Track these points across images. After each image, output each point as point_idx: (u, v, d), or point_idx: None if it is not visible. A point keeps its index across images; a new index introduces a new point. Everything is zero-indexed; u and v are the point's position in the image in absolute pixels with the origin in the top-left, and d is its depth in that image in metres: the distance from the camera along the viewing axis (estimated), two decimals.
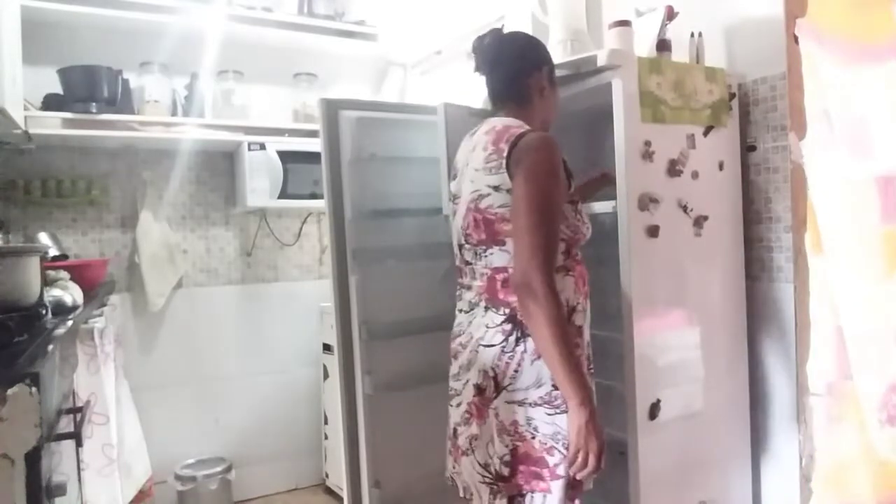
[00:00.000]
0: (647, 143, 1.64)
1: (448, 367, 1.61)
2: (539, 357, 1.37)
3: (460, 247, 1.55)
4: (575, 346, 1.38)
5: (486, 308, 1.45)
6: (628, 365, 1.63)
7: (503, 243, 1.42)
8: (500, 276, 1.43)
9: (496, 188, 1.40)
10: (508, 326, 1.40)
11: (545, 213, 1.33)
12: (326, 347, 3.06)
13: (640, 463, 1.62)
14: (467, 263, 1.53)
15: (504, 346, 1.40)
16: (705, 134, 1.76)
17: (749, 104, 1.85)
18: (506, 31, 1.67)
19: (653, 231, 1.65)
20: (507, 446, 1.41)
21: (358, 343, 2.04)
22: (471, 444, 1.47)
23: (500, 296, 1.43)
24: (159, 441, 2.76)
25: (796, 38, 1.70)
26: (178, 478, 2.84)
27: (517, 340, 1.39)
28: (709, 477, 1.78)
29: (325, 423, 3.15)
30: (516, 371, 1.39)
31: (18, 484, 0.83)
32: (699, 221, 1.75)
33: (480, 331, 1.45)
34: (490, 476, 1.44)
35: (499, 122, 1.49)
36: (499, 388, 1.41)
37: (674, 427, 1.69)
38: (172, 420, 2.96)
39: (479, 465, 1.46)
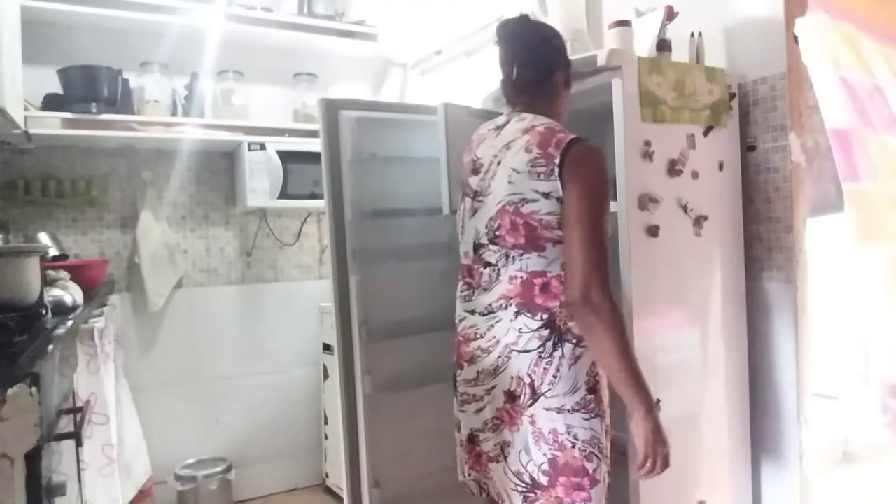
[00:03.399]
0: (647, 143, 1.64)
1: (448, 368, 1.60)
2: (576, 362, 1.37)
3: (479, 246, 1.48)
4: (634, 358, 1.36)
5: (518, 312, 1.40)
6: None
7: (543, 249, 1.38)
8: (538, 281, 1.38)
9: (546, 195, 1.36)
10: (546, 332, 1.37)
11: (602, 229, 1.34)
12: (326, 347, 3.06)
13: None
14: (488, 265, 1.46)
15: (541, 352, 1.37)
16: (705, 134, 1.76)
17: (749, 104, 1.85)
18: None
19: (653, 231, 1.65)
20: (545, 455, 1.38)
21: (358, 343, 2.03)
22: (502, 451, 1.44)
23: (539, 300, 1.38)
24: (159, 441, 2.76)
25: (796, 38, 1.70)
26: (178, 478, 2.83)
27: (554, 346, 1.37)
28: (709, 477, 1.78)
29: (325, 423, 3.16)
30: (554, 377, 1.37)
31: (18, 484, 0.83)
32: (699, 221, 1.75)
33: (511, 336, 1.40)
34: (524, 485, 1.41)
35: (536, 121, 1.44)
36: (535, 395, 1.38)
37: (674, 427, 1.69)
38: (172, 420, 2.96)
39: (512, 472, 1.43)
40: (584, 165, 1.35)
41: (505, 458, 1.44)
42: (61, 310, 1.58)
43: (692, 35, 1.83)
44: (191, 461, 2.93)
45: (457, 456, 1.61)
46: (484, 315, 1.47)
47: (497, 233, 1.43)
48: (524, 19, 1.52)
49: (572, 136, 1.38)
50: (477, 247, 1.49)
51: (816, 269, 1.78)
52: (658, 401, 1.64)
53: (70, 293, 1.67)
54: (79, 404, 1.54)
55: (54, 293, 1.61)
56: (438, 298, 1.93)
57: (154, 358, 2.96)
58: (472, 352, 1.48)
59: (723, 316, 1.81)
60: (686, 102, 1.71)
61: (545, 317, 1.38)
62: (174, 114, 2.87)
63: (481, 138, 1.55)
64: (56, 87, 2.59)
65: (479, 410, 1.48)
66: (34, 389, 0.86)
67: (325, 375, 3.11)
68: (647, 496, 1.63)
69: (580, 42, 1.94)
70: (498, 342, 1.42)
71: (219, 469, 2.88)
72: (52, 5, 2.51)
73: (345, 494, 2.15)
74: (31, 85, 2.44)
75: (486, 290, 1.47)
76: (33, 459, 0.86)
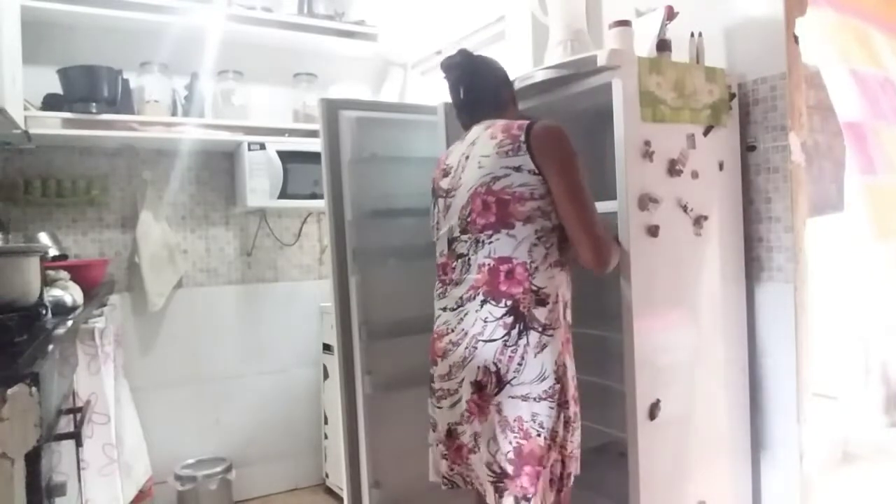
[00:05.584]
0: (647, 143, 1.64)
1: None
2: (542, 350, 1.40)
3: (452, 241, 1.56)
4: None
5: (484, 302, 1.45)
6: (628, 365, 1.63)
7: (512, 227, 1.44)
8: (503, 267, 1.44)
9: (517, 168, 1.44)
10: (510, 319, 1.41)
11: (589, 198, 1.46)
12: (326, 347, 3.06)
13: (640, 463, 1.62)
14: (460, 257, 1.53)
15: (506, 340, 1.41)
16: (705, 134, 1.76)
17: (749, 104, 1.85)
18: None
19: (653, 231, 1.65)
20: (510, 443, 1.41)
21: (358, 343, 2.04)
22: (476, 441, 1.49)
23: (503, 287, 1.43)
24: (159, 441, 2.76)
25: (796, 38, 1.70)
26: (178, 478, 2.83)
27: (520, 334, 1.40)
28: (708, 477, 1.78)
29: (325, 423, 3.16)
30: (520, 364, 1.40)
31: (18, 484, 0.83)
32: (699, 221, 1.75)
33: (477, 326, 1.45)
34: (494, 475, 1.45)
35: (491, 122, 1.57)
36: (501, 384, 1.42)
37: (674, 427, 1.69)
38: (172, 420, 2.96)
39: (484, 463, 1.48)
40: (551, 139, 1.46)
41: (479, 448, 1.49)
42: (61, 310, 1.58)
43: (692, 35, 1.83)
44: (191, 461, 2.93)
45: (429, 457, 1.66)
46: (454, 310, 1.52)
47: (468, 219, 1.51)
48: (463, 52, 1.67)
49: (532, 119, 1.51)
50: (450, 241, 1.56)
51: (816, 269, 1.78)
52: (658, 400, 1.65)
53: (70, 293, 1.67)
54: (79, 404, 1.54)
55: (54, 293, 1.61)
56: None
57: (154, 358, 2.96)
58: (444, 347, 1.53)
59: (723, 316, 1.81)
60: (686, 102, 1.71)
61: (509, 303, 1.42)
62: (174, 114, 2.87)
63: (450, 152, 1.67)
64: (56, 87, 2.59)
65: (455, 404, 1.52)
66: (34, 389, 0.86)
67: (325, 375, 3.11)
68: (647, 496, 1.63)
69: (580, 42, 1.94)
70: (466, 334, 1.47)
71: (219, 469, 2.88)
72: (52, 5, 2.51)
73: (345, 494, 2.15)
74: (31, 85, 2.44)
75: (457, 283, 1.53)
76: (33, 459, 0.86)
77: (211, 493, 2.82)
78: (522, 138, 1.46)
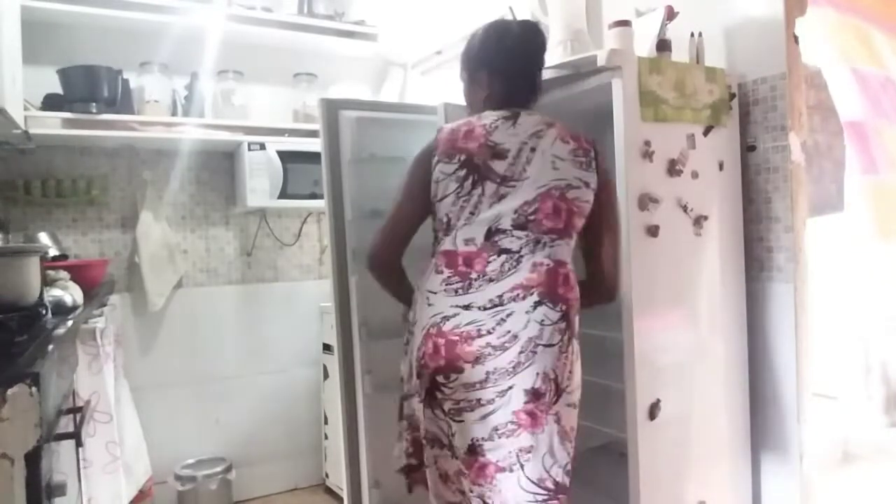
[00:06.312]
0: (647, 143, 1.64)
1: None
2: (578, 358, 1.42)
3: (496, 232, 1.39)
4: None
5: (539, 303, 1.34)
6: (628, 365, 1.63)
7: (572, 237, 1.44)
8: (562, 270, 1.38)
9: (587, 184, 1.43)
10: (563, 325, 1.35)
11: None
12: (326, 347, 3.06)
13: (640, 463, 1.62)
14: (504, 252, 1.38)
15: (561, 346, 1.35)
16: (705, 134, 1.76)
17: (749, 104, 1.85)
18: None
19: (653, 231, 1.65)
20: (569, 454, 1.36)
21: (358, 343, 2.04)
22: (518, 458, 1.33)
23: (560, 290, 1.36)
24: (159, 441, 2.76)
25: (796, 38, 1.70)
26: (178, 478, 2.83)
27: (570, 339, 1.37)
28: (709, 477, 1.78)
29: (325, 423, 3.15)
30: (570, 372, 1.37)
31: (18, 484, 0.83)
32: (699, 221, 1.75)
33: (532, 329, 1.33)
34: (546, 492, 1.33)
35: (547, 118, 1.50)
36: (559, 392, 1.35)
37: (674, 427, 1.69)
38: (172, 420, 2.96)
39: (532, 481, 1.33)
40: (607, 166, 1.50)
41: (522, 466, 1.33)
42: (61, 310, 1.58)
43: (692, 35, 1.83)
44: (191, 461, 2.93)
45: (428, 479, 1.46)
46: (488, 309, 1.35)
47: (532, 217, 1.38)
48: (534, 25, 1.57)
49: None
50: (492, 233, 1.39)
51: (816, 269, 1.78)
52: (658, 400, 1.65)
53: (70, 293, 1.67)
54: (79, 404, 1.54)
55: (54, 293, 1.61)
56: None
57: (154, 358, 2.96)
58: (477, 351, 1.34)
59: (723, 316, 1.81)
60: (686, 102, 1.71)
61: (563, 308, 1.36)
62: (174, 114, 2.87)
63: (492, 128, 1.44)
64: (56, 87, 2.59)
65: (486, 416, 1.34)
66: (34, 389, 0.86)
67: (325, 375, 3.11)
68: (646, 496, 1.63)
69: (580, 42, 1.94)
70: (516, 337, 1.33)
71: (219, 469, 2.88)
72: (52, 5, 2.51)
73: (345, 494, 2.15)
74: (31, 85, 2.43)
75: (493, 280, 1.37)
76: (33, 459, 0.86)
77: (211, 493, 2.82)
78: (592, 154, 1.44)
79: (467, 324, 1.36)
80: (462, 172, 1.42)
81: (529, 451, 1.33)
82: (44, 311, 1.35)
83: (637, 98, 1.62)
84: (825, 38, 1.57)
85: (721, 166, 1.80)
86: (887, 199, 1.56)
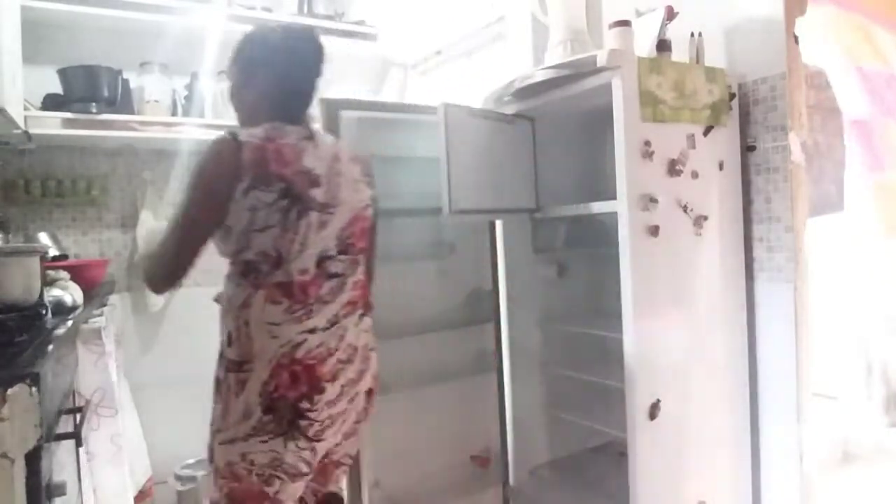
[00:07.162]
0: (647, 143, 1.64)
1: (448, 367, 1.61)
2: None
3: (324, 259, 1.41)
4: None
5: (363, 315, 1.52)
6: (628, 365, 1.63)
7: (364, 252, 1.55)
8: (365, 282, 1.55)
9: (373, 201, 1.55)
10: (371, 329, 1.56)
11: None
12: None
13: (640, 463, 1.62)
14: (332, 276, 1.42)
15: (375, 348, 1.56)
16: (705, 134, 1.76)
17: (749, 104, 1.85)
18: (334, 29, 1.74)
19: (653, 231, 1.65)
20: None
21: None
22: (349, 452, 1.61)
23: (370, 300, 1.56)
24: (159, 441, 2.76)
25: (796, 38, 1.70)
26: (178, 478, 2.83)
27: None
28: (708, 477, 1.78)
29: None
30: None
31: (18, 484, 0.83)
32: (699, 221, 1.75)
33: (364, 338, 1.51)
34: (348, 465, 1.67)
35: (330, 138, 1.57)
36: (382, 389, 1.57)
37: (673, 427, 1.69)
38: (172, 420, 2.95)
39: (351, 456, 1.65)
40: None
41: (349, 459, 1.62)
42: (61, 310, 1.58)
43: (692, 35, 1.83)
44: (191, 461, 2.92)
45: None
46: (329, 329, 1.41)
47: (349, 241, 1.47)
48: (316, 31, 1.60)
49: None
50: (322, 260, 1.41)
51: (816, 269, 1.79)
52: (658, 401, 1.65)
53: (70, 293, 1.67)
54: (79, 404, 1.54)
55: (54, 293, 1.61)
56: (438, 298, 1.93)
57: (154, 358, 2.96)
58: (332, 369, 1.40)
59: (723, 316, 1.81)
60: (686, 102, 1.71)
61: (371, 314, 1.56)
62: (174, 114, 2.86)
63: (299, 150, 1.41)
64: (56, 87, 2.59)
65: (342, 425, 1.48)
66: (34, 389, 0.86)
67: None
68: (646, 495, 1.63)
69: (580, 42, 1.94)
70: (355, 349, 1.47)
71: None
72: (52, 5, 2.51)
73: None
74: (31, 85, 2.43)
75: (327, 302, 1.41)
76: (33, 459, 0.86)
77: None
78: (371, 173, 1.56)
79: (317, 346, 1.39)
80: (284, 203, 1.36)
81: (357, 436, 1.58)
82: (44, 311, 1.36)
83: (637, 98, 1.62)
84: (829, 36, 1.56)
85: (721, 166, 1.81)
86: (892, 196, 1.57)
